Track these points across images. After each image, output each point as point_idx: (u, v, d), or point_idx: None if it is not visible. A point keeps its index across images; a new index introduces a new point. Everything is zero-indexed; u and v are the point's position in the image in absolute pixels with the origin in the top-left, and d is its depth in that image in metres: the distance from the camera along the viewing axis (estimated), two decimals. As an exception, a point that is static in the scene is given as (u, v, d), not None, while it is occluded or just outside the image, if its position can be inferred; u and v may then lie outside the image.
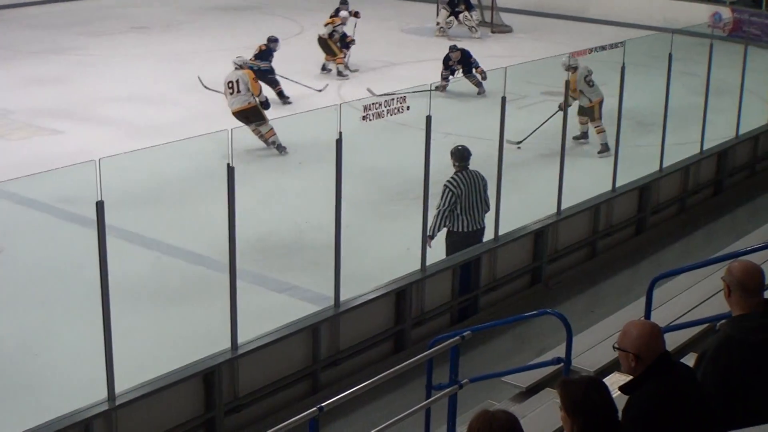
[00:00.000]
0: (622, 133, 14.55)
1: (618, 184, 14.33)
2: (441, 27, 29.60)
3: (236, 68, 17.96)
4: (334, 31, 24.26)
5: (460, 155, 12.14)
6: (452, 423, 8.18)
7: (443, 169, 12.67)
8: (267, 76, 20.97)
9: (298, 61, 24.30)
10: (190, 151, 14.11)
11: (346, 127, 10.07)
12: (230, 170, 9.23)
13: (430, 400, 8.34)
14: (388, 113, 10.41)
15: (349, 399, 7.24)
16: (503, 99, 12.17)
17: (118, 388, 8.79)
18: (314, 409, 6.70)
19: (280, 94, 21.17)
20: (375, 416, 9.24)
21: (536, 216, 13.25)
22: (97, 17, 31.28)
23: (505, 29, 30.38)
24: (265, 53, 21.75)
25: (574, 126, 17.13)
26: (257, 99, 17.63)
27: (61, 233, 13.69)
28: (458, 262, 11.91)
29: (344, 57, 24.25)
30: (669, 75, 15.14)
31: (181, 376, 9.25)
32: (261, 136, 17.36)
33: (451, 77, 21.57)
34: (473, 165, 12.20)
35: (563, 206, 13.38)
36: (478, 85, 21.57)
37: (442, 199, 11.96)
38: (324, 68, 24.38)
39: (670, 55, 15.02)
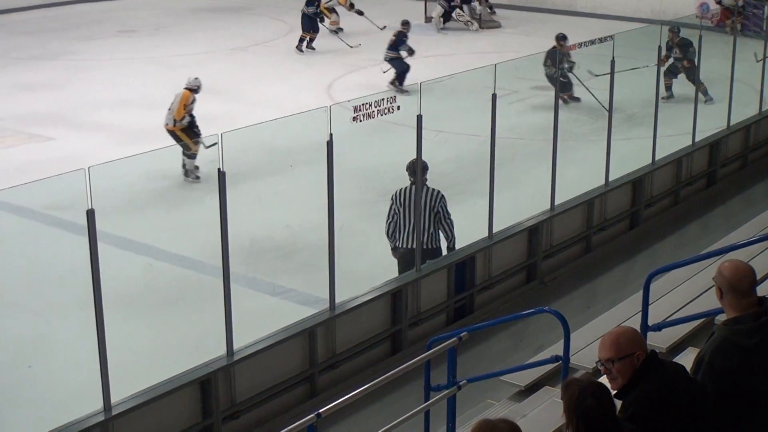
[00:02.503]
0: (614, 126, 14.50)
1: (611, 177, 14.29)
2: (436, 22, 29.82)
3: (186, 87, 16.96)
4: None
5: (413, 169, 11.56)
6: (452, 424, 8.15)
7: (434, 168, 12.64)
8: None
9: (289, 60, 24.32)
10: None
11: (336, 128, 10.02)
12: (221, 174, 9.18)
13: (429, 402, 8.31)
14: (378, 113, 10.36)
15: (347, 403, 7.20)
16: (494, 96, 12.11)
17: (114, 398, 8.73)
18: (312, 415, 6.66)
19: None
20: (374, 419, 9.20)
21: (530, 212, 13.20)
22: (86, 22, 31.21)
23: (494, 25, 30.37)
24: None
25: (567, 121, 17.04)
26: (177, 124, 16.45)
27: (53, 241, 13.63)
28: (453, 261, 11.86)
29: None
30: (659, 67, 15.13)
31: (177, 384, 9.19)
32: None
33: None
34: (466, 162, 12.15)
35: (557, 201, 13.34)
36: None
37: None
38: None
39: (659, 48, 15.00)
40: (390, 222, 11.71)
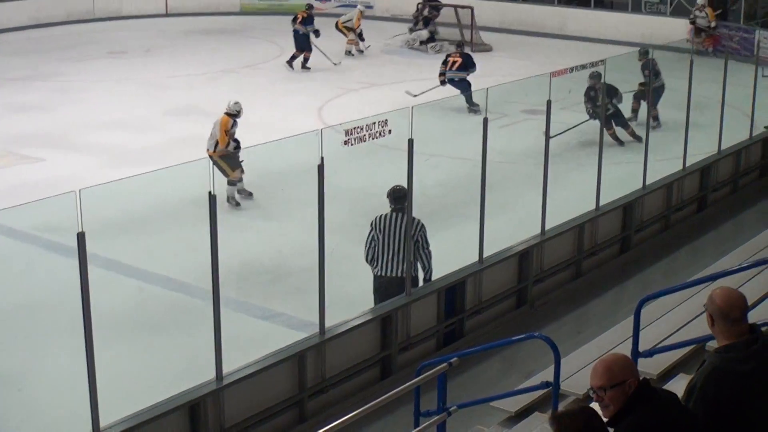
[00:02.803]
0: (605, 151, 14.51)
1: (601, 202, 14.29)
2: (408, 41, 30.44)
3: (226, 112, 16.47)
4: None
5: (394, 196, 11.53)
6: (441, 451, 8.12)
7: (427, 191, 12.65)
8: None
9: (281, 82, 24.32)
10: (172, 178, 14.02)
11: (328, 151, 10.02)
12: (212, 198, 9.16)
13: (419, 428, 8.29)
14: (369, 137, 10.36)
15: (336, 429, 7.16)
16: (485, 120, 12.12)
17: (103, 422, 8.67)
18: (301, 442, 6.64)
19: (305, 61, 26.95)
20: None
21: (521, 237, 13.19)
22: (77, 43, 31.21)
23: (485, 48, 30.44)
24: (309, 19, 27.03)
25: (557, 145, 17.01)
26: (226, 148, 16.17)
27: (43, 263, 13.59)
28: (443, 286, 11.84)
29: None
30: (649, 91, 15.15)
31: (166, 408, 9.13)
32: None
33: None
34: (456, 186, 12.13)
35: (547, 226, 13.33)
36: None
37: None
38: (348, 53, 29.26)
39: (649, 72, 15.02)
40: (368, 248, 11.57)
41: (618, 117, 18.75)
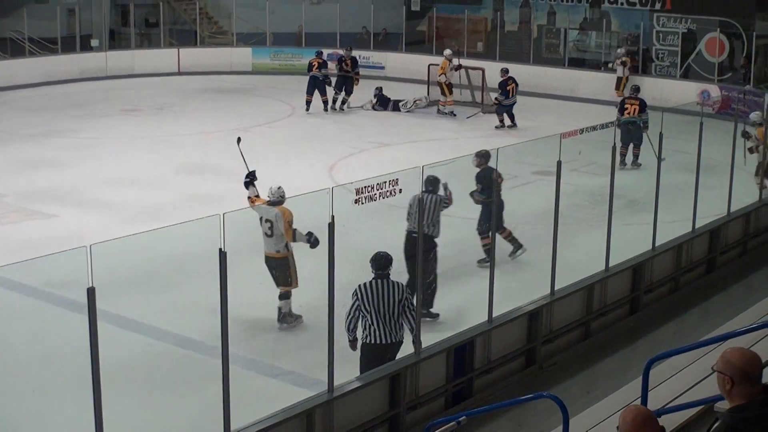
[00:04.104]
0: (614, 212, 14.54)
1: (611, 263, 14.30)
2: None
3: (270, 202, 13.89)
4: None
5: (377, 263, 11.49)
6: None
7: (438, 249, 12.67)
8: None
9: (292, 140, 24.44)
10: (182, 235, 14.07)
11: (338, 209, 10.06)
12: (222, 255, 9.19)
13: (426, 488, 8.25)
14: (380, 196, 10.40)
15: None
16: (495, 181, 12.18)
17: (110, 478, 8.66)
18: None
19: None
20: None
21: (530, 297, 13.19)
22: (91, 100, 31.44)
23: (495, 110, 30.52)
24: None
25: (567, 206, 17.06)
26: (289, 247, 13.63)
27: (53, 319, 13.60)
28: (452, 345, 11.83)
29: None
30: (660, 153, 15.19)
31: (173, 465, 9.13)
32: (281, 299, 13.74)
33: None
34: (466, 245, 12.17)
35: (557, 286, 13.33)
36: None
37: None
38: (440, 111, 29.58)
39: (660, 134, 15.08)
40: (351, 318, 11.30)
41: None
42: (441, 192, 13.84)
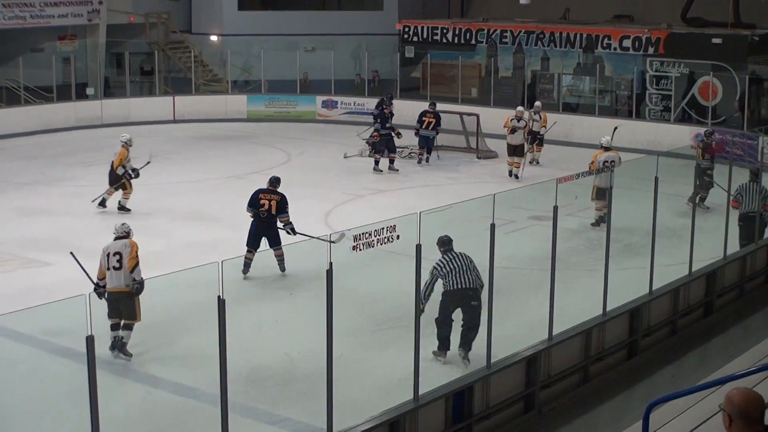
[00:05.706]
0: (611, 256, 14.56)
1: (608, 307, 14.31)
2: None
3: (117, 237, 14.65)
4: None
5: (442, 242, 13.59)
6: None
7: (435, 296, 12.67)
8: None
9: (288, 187, 24.45)
10: (180, 282, 14.06)
11: (336, 256, 10.07)
12: (221, 302, 9.19)
13: None
14: (378, 242, 10.43)
15: None
16: (492, 226, 12.22)
17: None
18: None
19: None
20: None
21: (528, 342, 13.19)
22: (86, 148, 31.43)
23: (491, 155, 30.62)
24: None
25: (564, 250, 17.10)
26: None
27: (51, 367, 13.56)
28: (451, 391, 11.81)
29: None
30: (656, 197, 15.23)
31: None
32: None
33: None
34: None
35: (555, 331, 13.33)
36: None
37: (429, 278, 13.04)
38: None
39: (656, 178, 15.13)
40: (429, 284, 13.09)
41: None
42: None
